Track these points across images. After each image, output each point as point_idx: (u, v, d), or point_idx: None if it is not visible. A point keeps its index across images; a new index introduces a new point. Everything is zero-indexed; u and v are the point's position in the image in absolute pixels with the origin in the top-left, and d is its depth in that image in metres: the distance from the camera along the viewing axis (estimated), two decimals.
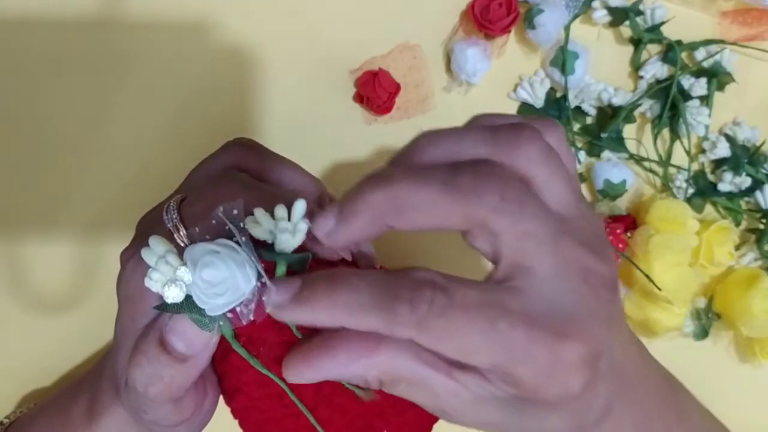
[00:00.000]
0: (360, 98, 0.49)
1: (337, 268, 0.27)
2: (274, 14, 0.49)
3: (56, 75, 0.48)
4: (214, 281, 0.26)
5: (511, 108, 0.50)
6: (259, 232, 0.28)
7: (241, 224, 0.27)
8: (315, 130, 0.49)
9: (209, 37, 0.49)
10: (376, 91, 0.48)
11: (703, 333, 0.51)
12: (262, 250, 0.28)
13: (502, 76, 0.50)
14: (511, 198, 0.24)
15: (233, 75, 0.49)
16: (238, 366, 0.31)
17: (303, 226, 0.28)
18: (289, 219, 0.28)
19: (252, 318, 0.28)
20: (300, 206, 0.28)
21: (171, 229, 0.30)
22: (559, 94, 0.50)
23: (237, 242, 0.27)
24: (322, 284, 0.26)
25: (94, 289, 0.49)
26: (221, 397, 0.35)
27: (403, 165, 0.27)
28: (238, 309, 0.27)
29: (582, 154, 0.49)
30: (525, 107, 0.50)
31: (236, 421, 0.35)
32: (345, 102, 0.49)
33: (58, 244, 0.48)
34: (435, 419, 0.38)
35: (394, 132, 0.50)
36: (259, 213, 0.28)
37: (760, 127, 0.51)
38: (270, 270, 0.28)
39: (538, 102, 0.50)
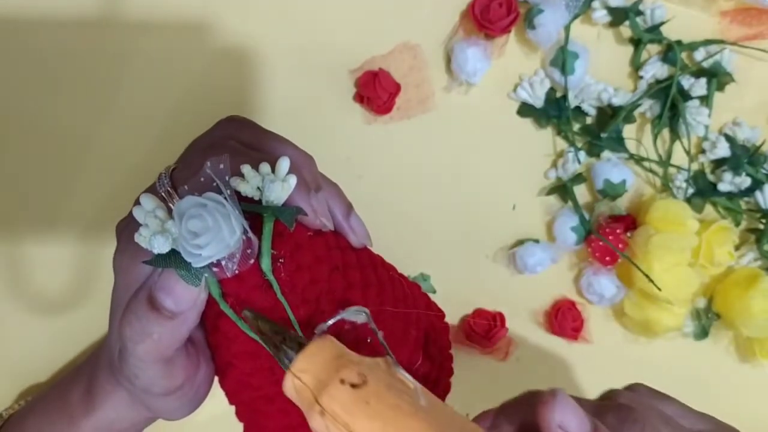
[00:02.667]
0: (360, 98, 0.49)
1: None
2: (274, 14, 0.49)
3: (56, 75, 0.48)
4: (200, 231, 0.27)
5: (511, 108, 0.50)
6: (246, 189, 0.29)
7: (227, 177, 0.28)
8: (315, 129, 0.49)
9: (209, 36, 0.49)
10: (376, 91, 0.48)
11: (703, 333, 0.51)
12: (250, 205, 0.29)
13: (502, 76, 0.50)
14: None
15: (233, 74, 0.49)
16: (228, 335, 0.31)
17: (291, 180, 0.29)
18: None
19: (236, 271, 0.28)
20: (284, 162, 0.29)
21: (163, 194, 0.31)
22: (559, 94, 0.50)
23: (224, 197, 0.27)
24: None
25: (94, 289, 0.49)
26: (217, 389, 0.34)
27: None
28: (223, 263, 0.28)
29: (582, 154, 0.49)
30: (525, 107, 0.50)
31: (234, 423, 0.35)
32: (345, 102, 0.49)
33: (58, 244, 0.48)
34: None
35: (395, 132, 0.50)
36: (246, 169, 0.29)
37: (760, 127, 0.51)
38: (257, 227, 0.29)
39: (538, 102, 0.50)
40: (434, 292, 0.50)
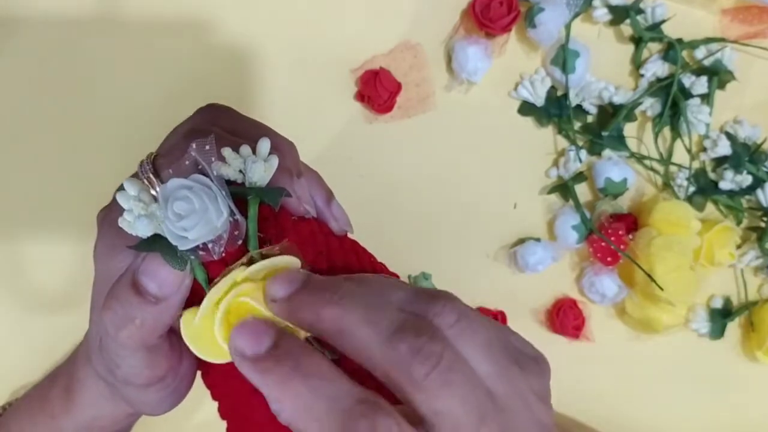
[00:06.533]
0: (361, 97, 0.49)
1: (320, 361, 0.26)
2: (275, 13, 0.49)
3: (55, 74, 0.48)
4: (185, 213, 0.26)
5: (512, 106, 0.50)
6: (228, 172, 0.28)
7: (213, 158, 0.28)
8: (316, 128, 0.49)
9: (209, 36, 0.49)
10: (377, 90, 0.48)
11: (719, 332, 0.51)
12: (236, 187, 0.28)
13: (502, 75, 0.50)
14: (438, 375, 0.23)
15: (234, 74, 0.49)
16: None
17: (273, 160, 0.29)
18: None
19: (223, 254, 0.27)
20: (265, 143, 0.29)
21: (146, 181, 0.30)
22: (559, 93, 0.50)
23: (210, 179, 0.27)
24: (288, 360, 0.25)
25: (91, 288, 0.49)
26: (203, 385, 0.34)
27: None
28: (210, 246, 0.27)
29: (583, 153, 0.49)
30: (526, 106, 0.50)
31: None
32: (346, 101, 0.49)
33: (58, 244, 0.48)
34: None
35: (395, 131, 0.50)
36: (227, 152, 0.28)
37: (761, 125, 0.51)
38: (242, 212, 0.28)
39: (539, 101, 0.50)
40: None
